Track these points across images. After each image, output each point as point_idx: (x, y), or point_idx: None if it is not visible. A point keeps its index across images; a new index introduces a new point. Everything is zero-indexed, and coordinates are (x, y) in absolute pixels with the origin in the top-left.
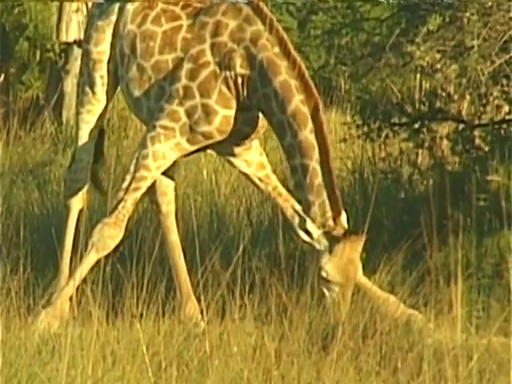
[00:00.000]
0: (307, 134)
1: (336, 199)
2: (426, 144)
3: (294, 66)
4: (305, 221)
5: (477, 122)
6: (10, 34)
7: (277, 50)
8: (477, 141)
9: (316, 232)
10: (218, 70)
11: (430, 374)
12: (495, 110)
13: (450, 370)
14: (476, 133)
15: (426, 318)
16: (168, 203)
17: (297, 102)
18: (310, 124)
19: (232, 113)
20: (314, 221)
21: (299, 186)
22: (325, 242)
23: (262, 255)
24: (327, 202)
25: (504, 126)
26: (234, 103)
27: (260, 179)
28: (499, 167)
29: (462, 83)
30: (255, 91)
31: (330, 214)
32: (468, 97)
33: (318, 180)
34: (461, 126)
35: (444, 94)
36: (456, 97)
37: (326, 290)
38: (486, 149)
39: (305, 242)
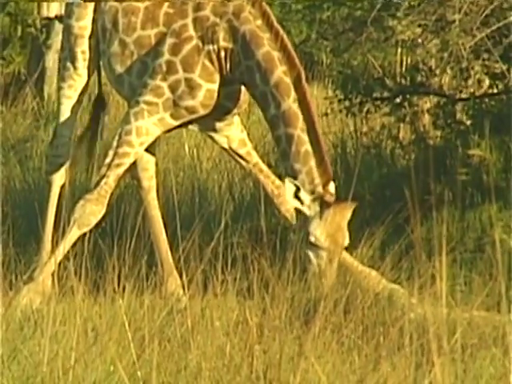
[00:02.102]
0: (291, 104)
1: (325, 166)
2: (408, 118)
3: (276, 37)
4: (298, 188)
5: (458, 96)
6: None
7: (259, 22)
8: (458, 115)
9: (307, 198)
10: (200, 45)
11: (412, 348)
12: (477, 85)
13: (432, 344)
14: (457, 107)
15: (409, 292)
16: (149, 179)
17: (279, 72)
18: (293, 94)
19: (215, 87)
20: (302, 188)
21: (285, 156)
22: (315, 208)
23: (243, 230)
24: (315, 169)
25: (485, 100)
26: (217, 77)
27: (241, 156)
28: (481, 141)
29: (444, 57)
30: (238, 64)
31: (318, 180)
32: (449, 71)
33: (304, 148)
34: (442, 101)
35: (425, 69)
36: (437, 71)
37: (312, 257)
38: (468, 123)
39: (295, 209)
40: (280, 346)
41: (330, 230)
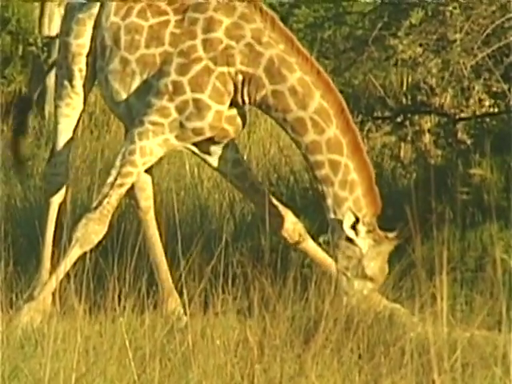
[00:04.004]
0: (335, 130)
1: (374, 196)
2: (409, 137)
3: (306, 62)
4: (357, 220)
5: (459, 116)
6: None
7: (282, 47)
8: (459, 134)
9: (363, 230)
10: (211, 66)
11: (413, 367)
12: (478, 104)
13: (432, 364)
14: (458, 126)
15: (409, 311)
16: (146, 199)
17: (319, 98)
18: (334, 120)
19: (224, 108)
20: (344, 216)
21: (326, 181)
22: (369, 241)
23: (244, 249)
24: (361, 198)
25: (486, 119)
26: (226, 99)
27: (236, 176)
28: (482, 161)
29: (445, 77)
30: (260, 88)
31: (365, 210)
32: (450, 90)
33: (351, 176)
34: (443, 120)
35: (426, 88)
36: (438, 90)
37: (357, 285)
38: (469, 142)
39: (346, 238)
40: (280, 365)
41: (382, 264)
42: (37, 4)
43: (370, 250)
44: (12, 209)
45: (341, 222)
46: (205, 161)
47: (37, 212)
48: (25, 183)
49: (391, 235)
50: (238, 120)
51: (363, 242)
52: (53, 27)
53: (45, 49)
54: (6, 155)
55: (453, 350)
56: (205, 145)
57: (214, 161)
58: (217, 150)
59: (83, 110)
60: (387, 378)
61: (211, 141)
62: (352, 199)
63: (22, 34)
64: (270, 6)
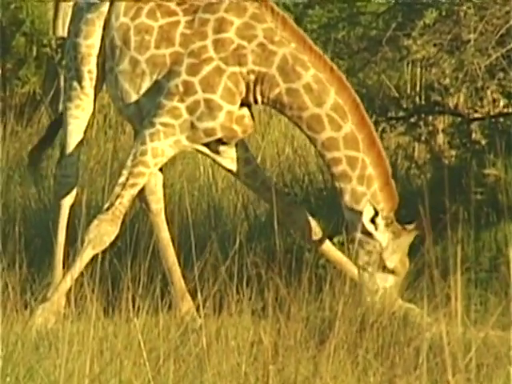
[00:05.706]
0: (351, 126)
1: (390, 190)
2: (423, 138)
3: (319, 59)
4: (377, 213)
5: (473, 116)
6: (6, 29)
7: (294, 45)
8: (474, 134)
9: (382, 224)
10: (222, 66)
11: (428, 367)
12: (492, 104)
13: (447, 364)
14: (473, 126)
15: (424, 312)
16: (157, 202)
17: (334, 94)
18: (349, 116)
19: (235, 108)
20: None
21: (344, 178)
22: (388, 235)
23: (258, 249)
24: (379, 192)
25: (501, 119)
26: (238, 99)
27: (246, 175)
28: (496, 161)
29: (459, 77)
30: (274, 87)
31: (383, 205)
32: (464, 90)
33: (368, 170)
34: (457, 120)
35: (441, 88)
36: (452, 90)
37: (380, 280)
38: (483, 142)
39: (365, 232)
40: (295, 366)
41: (403, 256)
42: (51, 5)
43: (390, 244)
44: (27, 210)
45: (360, 217)
46: (215, 161)
47: (51, 213)
48: (39, 184)
49: (410, 227)
50: (246, 121)
51: (382, 235)
52: (67, 29)
53: (59, 50)
54: (20, 156)
55: (467, 350)
56: (214, 145)
57: (223, 160)
58: (226, 149)
59: (93, 112)
60: (402, 379)
61: (219, 141)
62: (370, 194)
63: (36, 36)
64: (284, 6)
